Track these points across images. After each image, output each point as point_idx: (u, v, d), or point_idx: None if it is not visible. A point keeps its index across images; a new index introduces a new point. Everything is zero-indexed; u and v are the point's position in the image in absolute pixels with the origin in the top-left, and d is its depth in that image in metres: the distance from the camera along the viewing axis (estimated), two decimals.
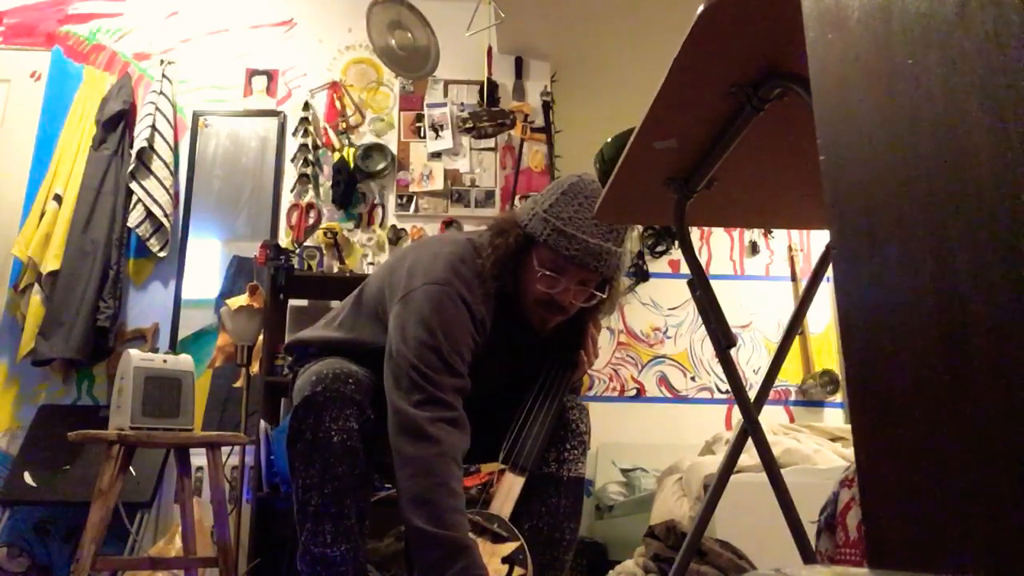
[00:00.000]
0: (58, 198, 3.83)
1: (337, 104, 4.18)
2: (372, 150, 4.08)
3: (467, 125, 3.91)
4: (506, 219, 1.70)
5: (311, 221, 4.03)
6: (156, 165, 3.90)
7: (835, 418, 4.73)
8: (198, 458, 3.03)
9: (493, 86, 4.13)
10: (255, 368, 3.54)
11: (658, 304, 4.95)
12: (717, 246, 5.07)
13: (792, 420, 4.55)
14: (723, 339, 1.19)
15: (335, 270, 3.84)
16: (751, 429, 1.23)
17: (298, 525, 1.56)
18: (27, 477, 3.30)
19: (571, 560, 1.71)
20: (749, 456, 2.10)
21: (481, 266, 1.62)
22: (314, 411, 1.52)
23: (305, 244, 3.94)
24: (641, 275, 4.97)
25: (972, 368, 0.45)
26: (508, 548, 1.56)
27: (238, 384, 3.59)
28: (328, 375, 1.55)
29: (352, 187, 4.02)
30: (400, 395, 1.50)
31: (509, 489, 1.61)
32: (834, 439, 3.03)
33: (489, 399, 1.73)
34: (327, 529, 1.52)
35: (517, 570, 1.54)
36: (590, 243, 1.57)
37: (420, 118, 4.20)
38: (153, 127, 3.91)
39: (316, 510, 1.52)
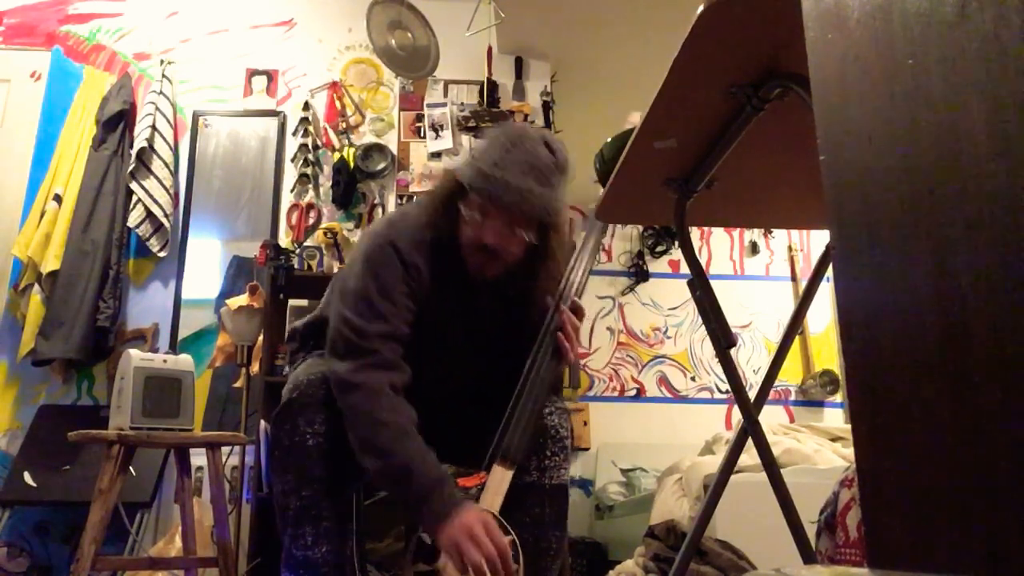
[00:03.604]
0: (58, 198, 3.83)
1: (337, 104, 4.18)
2: (372, 150, 4.07)
3: (467, 125, 3.91)
4: (444, 172, 1.73)
5: (311, 221, 4.03)
6: (156, 165, 3.90)
7: (835, 418, 4.73)
8: (198, 458, 3.02)
9: (493, 86, 4.13)
10: (255, 368, 3.54)
11: (658, 304, 4.95)
12: (717, 246, 5.08)
13: (792, 420, 4.55)
14: (723, 339, 1.20)
15: (335, 270, 3.83)
16: (751, 429, 1.23)
17: (281, 531, 1.57)
18: (27, 477, 3.30)
19: (559, 566, 1.69)
20: (749, 456, 2.10)
21: (417, 218, 1.67)
22: (290, 417, 1.56)
23: (305, 244, 3.94)
24: (641, 275, 4.97)
25: (972, 368, 0.45)
26: None
27: (238, 384, 3.59)
28: (304, 380, 1.58)
29: (352, 187, 4.02)
30: (333, 357, 1.56)
31: (498, 483, 1.60)
32: (834, 439, 3.03)
33: (469, 400, 1.72)
34: (307, 532, 1.53)
35: None
36: (511, 183, 1.55)
37: (420, 118, 4.19)
38: (153, 127, 3.91)
39: (295, 514, 1.54)
